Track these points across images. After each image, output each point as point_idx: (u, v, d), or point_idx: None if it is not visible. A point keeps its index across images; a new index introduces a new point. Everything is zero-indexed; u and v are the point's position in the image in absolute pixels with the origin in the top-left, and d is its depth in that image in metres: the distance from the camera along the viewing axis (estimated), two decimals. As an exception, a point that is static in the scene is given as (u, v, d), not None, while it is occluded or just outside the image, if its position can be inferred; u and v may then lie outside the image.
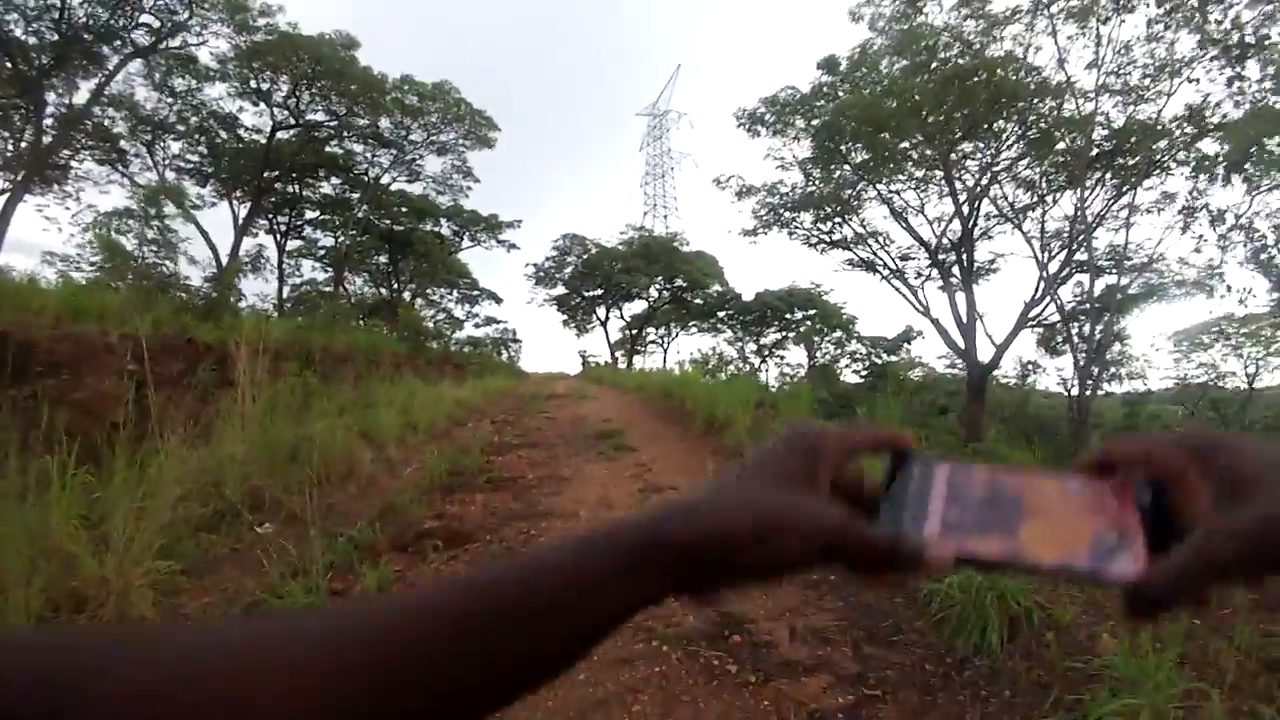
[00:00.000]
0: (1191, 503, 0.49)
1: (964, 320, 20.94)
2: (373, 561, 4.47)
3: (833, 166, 21.02)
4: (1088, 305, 20.22)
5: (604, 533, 0.47)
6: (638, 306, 44.59)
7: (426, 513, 5.84)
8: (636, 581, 0.45)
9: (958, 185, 20.38)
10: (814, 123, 20.81)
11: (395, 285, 33.00)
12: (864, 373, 31.55)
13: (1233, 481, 0.47)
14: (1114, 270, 20.01)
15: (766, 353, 37.89)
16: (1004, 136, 19.18)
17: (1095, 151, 18.05)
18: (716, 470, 8.30)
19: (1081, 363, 19.56)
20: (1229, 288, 18.17)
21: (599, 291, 43.28)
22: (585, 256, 42.34)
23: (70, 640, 0.36)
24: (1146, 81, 17.31)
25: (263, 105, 24.79)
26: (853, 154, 20.48)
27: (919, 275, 22.61)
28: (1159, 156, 17.83)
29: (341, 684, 0.38)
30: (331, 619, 0.42)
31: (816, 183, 21.70)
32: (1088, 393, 19.51)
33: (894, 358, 32.25)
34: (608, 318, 44.97)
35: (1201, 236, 17.25)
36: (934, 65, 17.91)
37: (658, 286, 42.39)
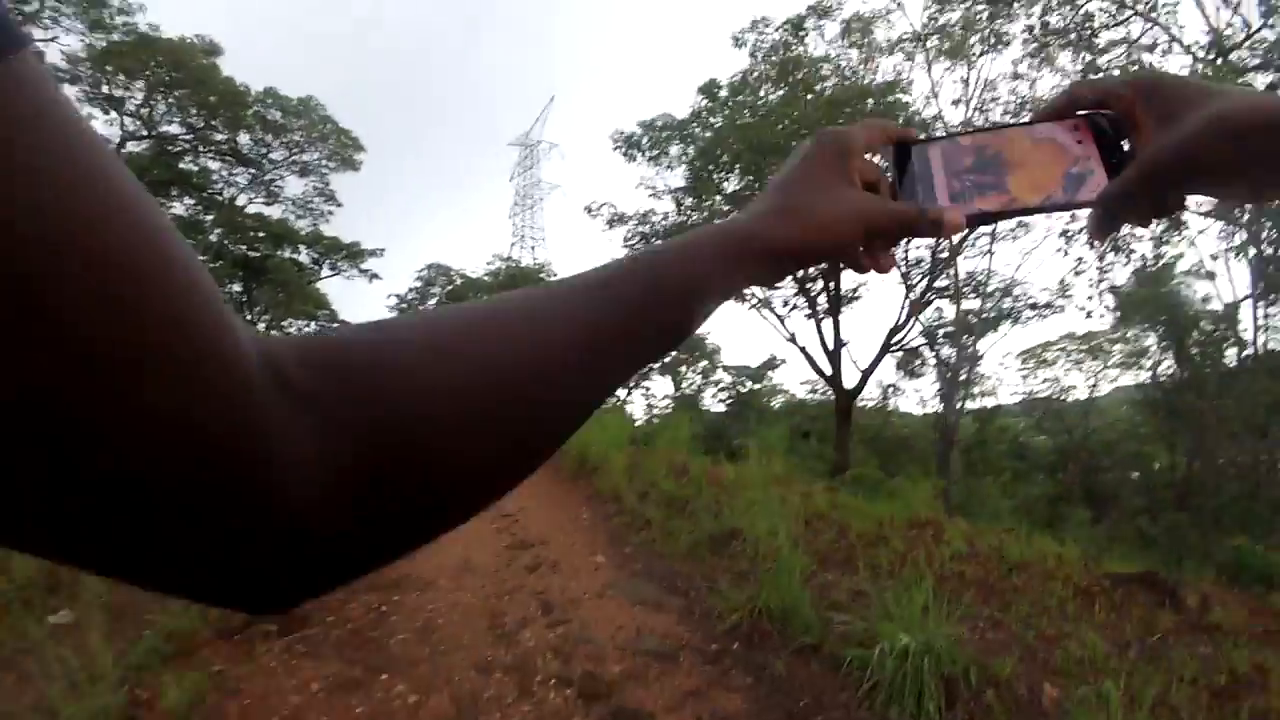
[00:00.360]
0: (1141, 131, 0.57)
1: (830, 347, 21.42)
2: (186, 658, 3.84)
3: (704, 196, 21.09)
4: (948, 329, 21.00)
5: (719, 231, 0.53)
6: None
7: (263, 584, 5.20)
8: (742, 273, 0.53)
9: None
10: (690, 149, 20.86)
11: (249, 317, 31.16)
12: (729, 401, 31.89)
13: (1170, 107, 0.55)
14: (973, 295, 20.90)
15: (632, 385, 37.77)
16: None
17: None
18: (591, 514, 7.98)
19: (942, 383, 20.26)
20: (1089, 311, 19.44)
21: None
22: (450, 288, 41.32)
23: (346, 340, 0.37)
24: (1007, 117, 18.34)
25: (113, 113, 22.95)
26: (725, 183, 20.61)
27: (786, 304, 23.00)
28: None
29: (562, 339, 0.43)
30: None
31: (688, 212, 21.72)
32: (951, 410, 20.19)
33: (758, 385, 32.75)
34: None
35: (1081, 258, 18.43)
36: (810, 95, 18.26)
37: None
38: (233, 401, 0.29)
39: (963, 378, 20.80)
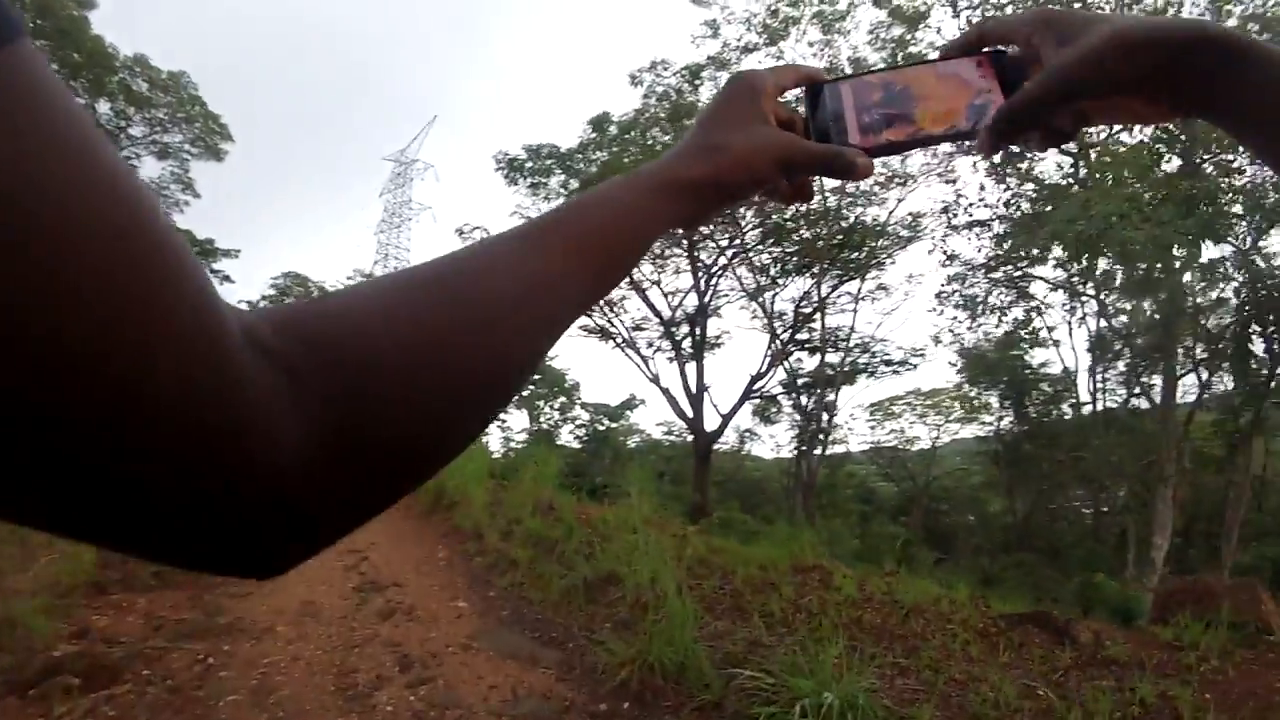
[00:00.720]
0: (1042, 60, 0.60)
1: (693, 390, 21.51)
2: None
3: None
4: (806, 379, 21.61)
5: (642, 173, 0.56)
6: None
7: (63, 629, 4.38)
8: (668, 210, 0.56)
9: (700, 262, 21.14)
10: (571, 182, 20.63)
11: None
12: (585, 439, 31.66)
13: (1068, 33, 0.58)
14: (832, 349, 21.58)
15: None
16: (743, 224, 20.14)
17: (822, 244, 19.69)
18: (449, 553, 7.39)
19: (802, 430, 20.83)
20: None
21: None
22: (306, 300, 39.16)
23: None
24: (876, 188, 19.15)
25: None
26: None
27: (650, 345, 23.00)
28: (880, 253, 20.46)
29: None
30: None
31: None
32: (811, 457, 20.75)
33: (614, 424, 32.68)
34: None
35: (955, 317, 19.33)
36: None
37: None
38: (221, 370, 0.30)
39: (820, 426, 21.40)
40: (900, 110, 0.64)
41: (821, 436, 21.40)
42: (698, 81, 19.91)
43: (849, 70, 18.43)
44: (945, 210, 18.80)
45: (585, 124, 21.13)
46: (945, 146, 18.77)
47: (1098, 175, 14.11)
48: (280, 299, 37.24)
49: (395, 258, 57.23)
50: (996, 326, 20.33)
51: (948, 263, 19.30)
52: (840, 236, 19.72)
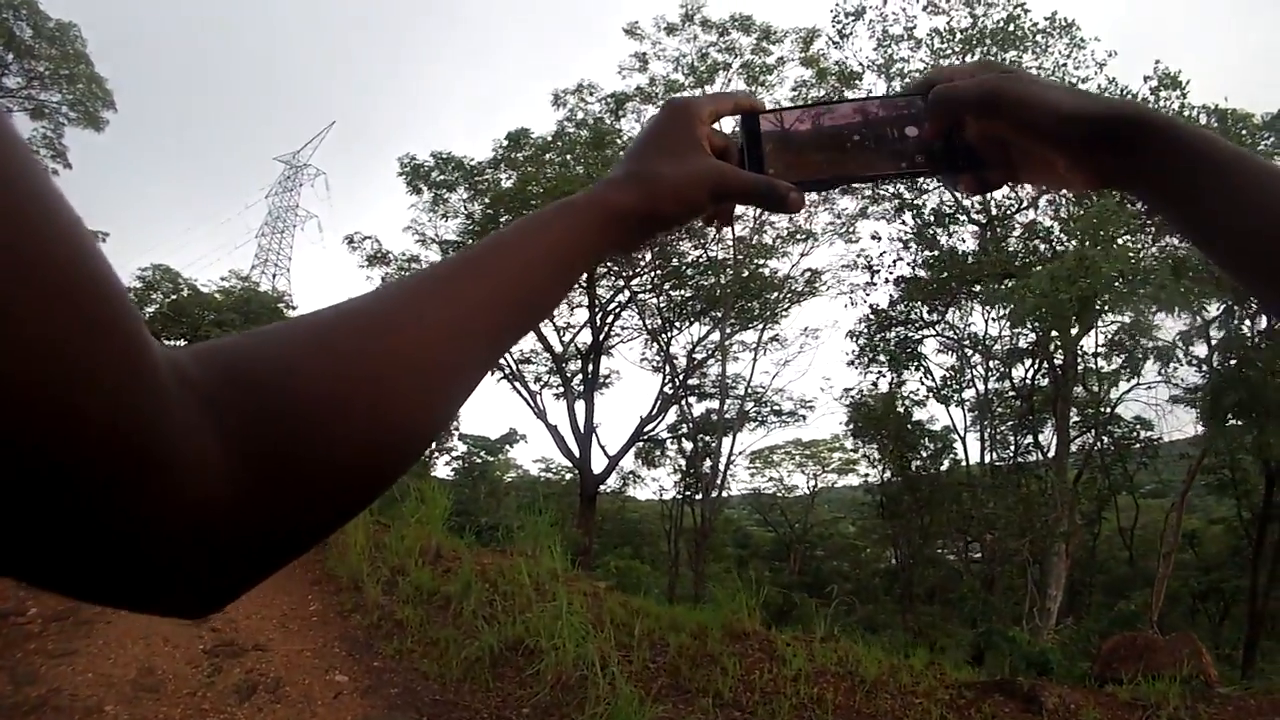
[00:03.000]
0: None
1: (581, 429, 20.82)
2: None
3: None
4: (699, 425, 21.40)
5: (575, 201, 0.56)
6: (225, 368, 39.27)
7: None
8: (600, 239, 0.56)
9: (598, 298, 20.65)
10: (476, 202, 19.74)
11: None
12: (460, 471, 30.59)
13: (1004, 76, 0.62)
14: (718, 396, 21.44)
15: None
16: (642, 265, 19.79)
17: (720, 293, 19.65)
18: (322, 606, 6.37)
19: (694, 476, 20.69)
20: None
21: (182, 343, 37.34)
22: (174, 297, 36.56)
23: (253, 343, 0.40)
24: (779, 243, 19.09)
25: None
26: None
27: (538, 380, 22.22)
28: (776, 305, 20.71)
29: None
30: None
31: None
32: (695, 500, 20.52)
33: (493, 459, 31.73)
34: (187, 378, 38.96)
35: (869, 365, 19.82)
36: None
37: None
38: (147, 402, 0.31)
39: (710, 472, 21.11)
40: (834, 149, 0.66)
41: (718, 482, 21.07)
42: (621, 112, 19.44)
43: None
44: (868, 267, 18.95)
45: (502, 138, 20.28)
46: (851, 208, 19.85)
47: (1083, 230, 14.14)
48: (146, 292, 34.38)
49: (275, 264, 54.18)
50: (886, 381, 20.71)
51: (870, 316, 19.56)
52: (738, 286, 19.54)
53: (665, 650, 5.27)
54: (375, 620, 5.57)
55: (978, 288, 17.47)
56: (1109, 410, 17.75)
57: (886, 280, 18.72)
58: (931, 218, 17.69)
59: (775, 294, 20.70)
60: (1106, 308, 13.69)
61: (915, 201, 17.40)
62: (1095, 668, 7.31)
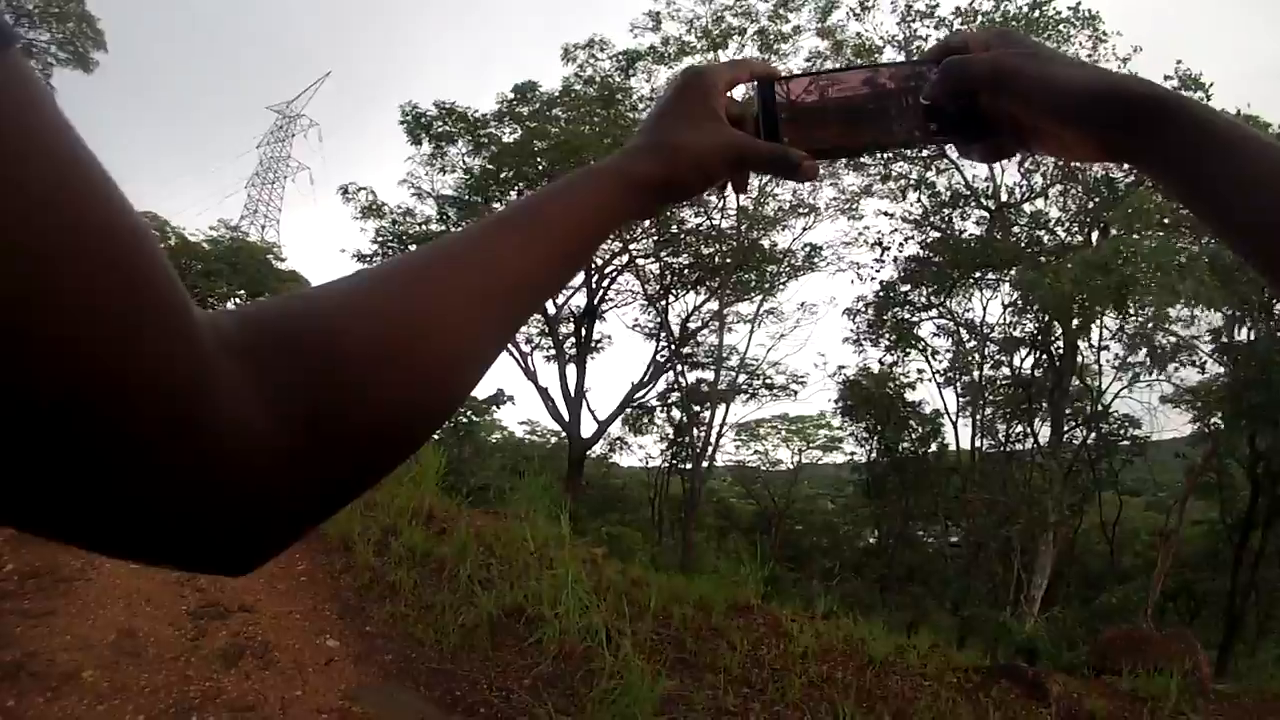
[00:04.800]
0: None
1: (572, 393, 20.61)
2: None
3: (480, 209, 19.54)
4: (692, 393, 21.27)
5: (594, 171, 0.58)
6: (211, 319, 38.73)
7: None
8: (623, 206, 0.57)
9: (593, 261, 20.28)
10: (477, 157, 19.27)
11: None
12: (447, 431, 30.41)
13: (1018, 45, 0.63)
14: (711, 366, 21.27)
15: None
16: (641, 229, 19.46)
17: (718, 262, 19.57)
18: (311, 566, 6.14)
19: (688, 445, 20.60)
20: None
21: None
22: (162, 246, 35.78)
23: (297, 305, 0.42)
24: (781, 214, 18.75)
25: None
26: (509, 194, 19.27)
27: (529, 342, 21.92)
28: (774, 278, 20.51)
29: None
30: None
31: (451, 225, 20.02)
32: (697, 473, 20.40)
33: (480, 419, 31.65)
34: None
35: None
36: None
37: (238, 300, 37.28)
38: (191, 363, 0.32)
39: (700, 441, 21.01)
40: (849, 114, 0.66)
41: (709, 451, 20.99)
42: (632, 71, 18.97)
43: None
44: (879, 244, 18.70)
45: (508, 91, 19.76)
46: (855, 185, 19.60)
47: (1119, 221, 13.85)
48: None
49: (265, 214, 53.29)
50: (890, 359, 20.64)
51: (878, 294, 19.45)
52: (739, 256, 19.25)
53: (669, 622, 5.09)
54: (367, 582, 5.36)
55: (978, 274, 17.34)
56: (1104, 406, 17.65)
57: (895, 259, 18.52)
58: (947, 197, 17.43)
59: (773, 267, 20.44)
60: (1137, 299, 13.44)
61: (931, 179, 17.14)
62: (1092, 658, 7.45)
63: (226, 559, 0.38)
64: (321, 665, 3.97)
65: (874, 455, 24.48)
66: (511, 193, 19.03)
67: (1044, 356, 17.42)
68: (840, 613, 6.59)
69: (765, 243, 20.00)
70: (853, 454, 27.09)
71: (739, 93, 0.68)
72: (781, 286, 21.13)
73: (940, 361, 20.59)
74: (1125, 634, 7.71)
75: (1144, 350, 15.47)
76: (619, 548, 11.84)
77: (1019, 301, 16.10)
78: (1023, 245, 16.44)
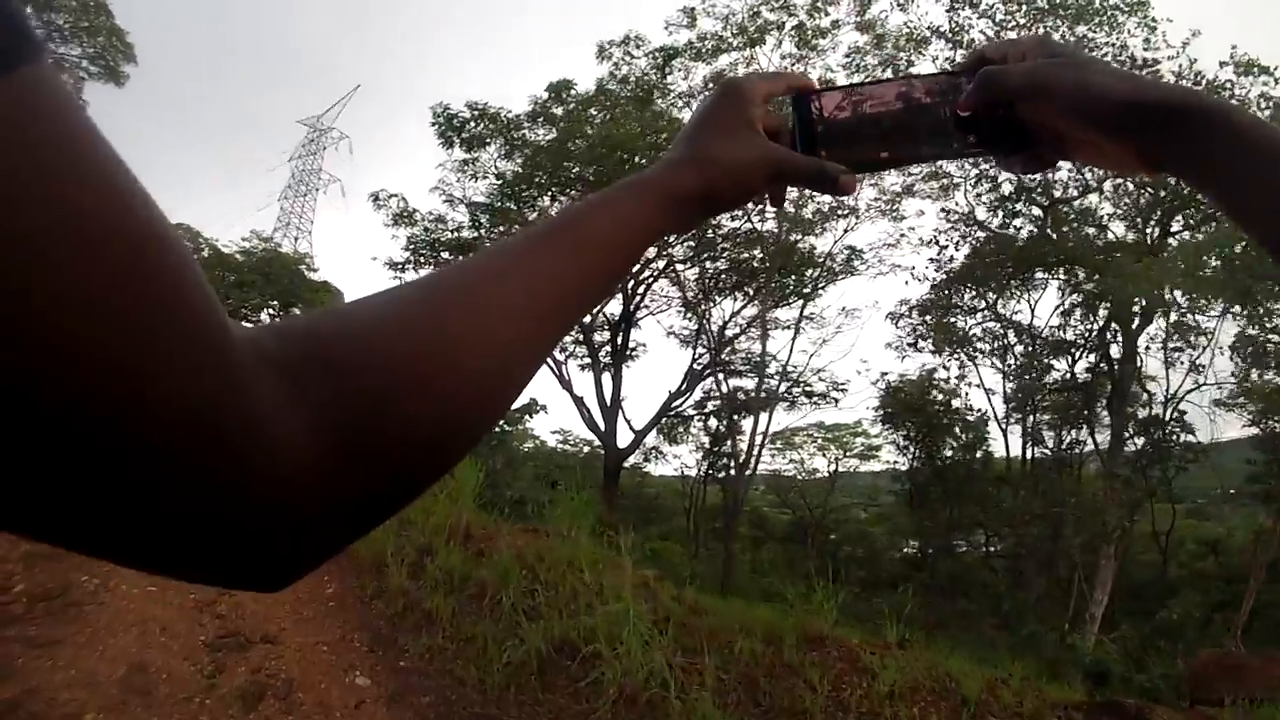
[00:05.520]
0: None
1: (608, 402, 20.19)
2: None
3: (505, 220, 19.18)
4: (733, 401, 20.88)
5: (634, 184, 0.57)
6: (245, 331, 38.90)
7: None
8: (661, 219, 0.57)
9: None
10: (510, 159, 18.91)
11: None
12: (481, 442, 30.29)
13: (1056, 54, 0.61)
14: (754, 374, 20.82)
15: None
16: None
17: (757, 266, 19.20)
18: (340, 589, 5.71)
19: (729, 454, 20.12)
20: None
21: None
22: (196, 257, 35.96)
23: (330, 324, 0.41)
24: (820, 217, 18.71)
25: None
26: (541, 199, 18.87)
27: (563, 350, 21.51)
28: (814, 282, 19.96)
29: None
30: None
31: (484, 231, 19.70)
32: (740, 481, 19.89)
33: (513, 429, 31.41)
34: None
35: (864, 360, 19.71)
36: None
37: (271, 311, 37.30)
38: (226, 376, 0.32)
39: (742, 450, 20.51)
40: (888, 128, 0.65)
41: (751, 461, 20.46)
42: (668, 69, 18.50)
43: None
44: (935, 242, 18.15)
45: (541, 91, 19.34)
46: (895, 185, 19.06)
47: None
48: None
49: (297, 226, 53.92)
50: (955, 362, 19.97)
51: (927, 294, 18.99)
52: (779, 260, 18.73)
53: (735, 658, 4.57)
54: (400, 609, 4.92)
55: (1028, 274, 16.70)
56: (1170, 410, 16.79)
57: (951, 259, 17.89)
58: (1008, 193, 16.78)
59: (812, 270, 19.86)
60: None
61: (993, 174, 16.52)
62: (1187, 685, 6.95)
63: (258, 575, 0.37)
64: (351, 709, 3.53)
65: (916, 463, 23.89)
66: (544, 197, 18.66)
67: (1101, 360, 16.69)
68: (912, 639, 6.06)
69: (804, 245, 19.43)
70: (891, 463, 26.55)
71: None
72: (821, 291, 20.51)
73: (987, 366, 19.94)
74: (1219, 659, 7.21)
75: (1248, 350, 14.75)
76: (663, 566, 11.32)
77: (1081, 301, 15.40)
78: (1070, 244, 15.79)
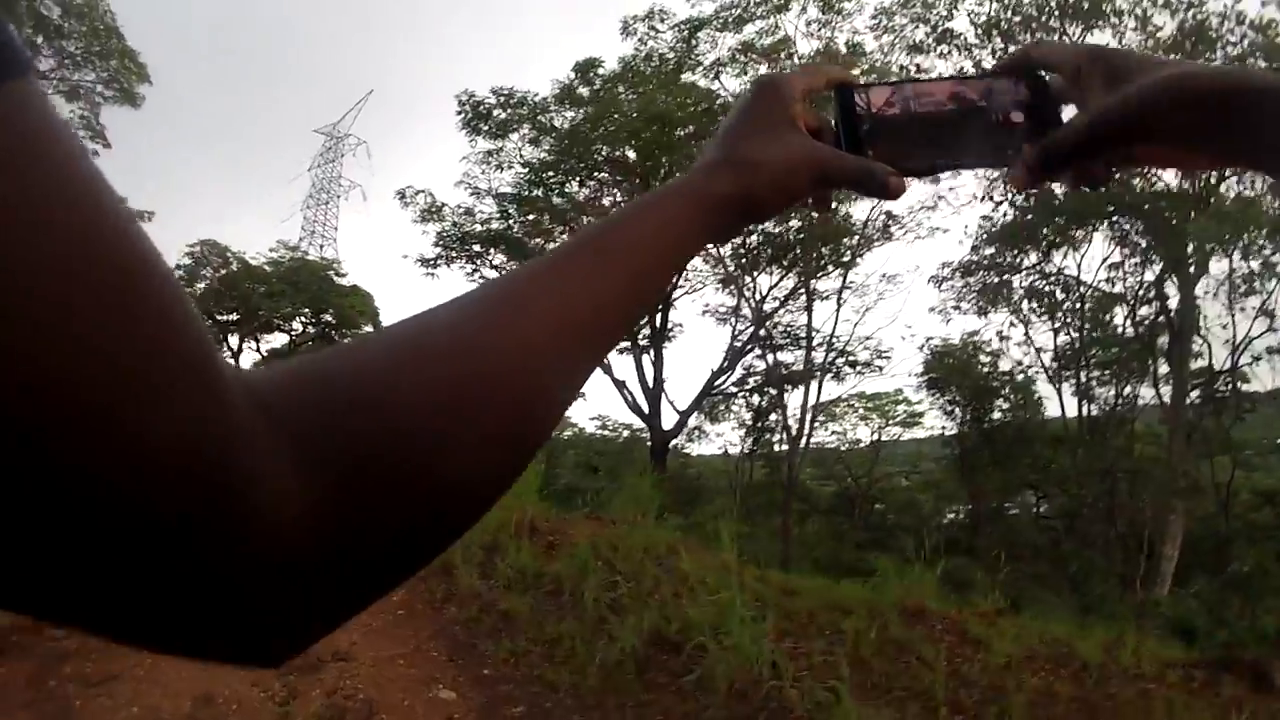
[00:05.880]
0: (1087, 95, 0.57)
1: (649, 384, 19.93)
2: None
3: (532, 208, 18.85)
4: (767, 376, 20.62)
5: (672, 190, 0.53)
6: (278, 340, 38.95)
7: None
8: (703, 226, 0.53)
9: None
10: (537, 144, 18.62)
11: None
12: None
13: (1118, 73, 0.55)
14: (796, 346, 20.55)
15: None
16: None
17: (791, 238, 18.81)
18: (412, 596, 5.42)
19: (782, 430, 20.53)
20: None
21: (235, 316, 37.10)
22: (224, 272, 36.16)
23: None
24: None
25: None
26: (569, 184, 18.49)
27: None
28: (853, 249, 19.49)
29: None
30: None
31: (513, 221, 19.40)
32: (794, 455, 20.06)
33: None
34: (241, 349, 38.80)
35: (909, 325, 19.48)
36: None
37: (303, 319, 37.29)
38: (220, 424, 0.29)
39: (794, 424, 20.25)
40: (935, 129, 0.62)
41: (803, 434, 20.20)
42: (694, 40, 18.01)
43: (846, 57, 17.58)
44: (986, 196, 17.58)
45: (569, 70, 18.89)
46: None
47: None
48: (196, 269, 33.96)
49: (323, 235, 54.29)
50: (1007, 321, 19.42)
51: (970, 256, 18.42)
52: (819, 231, 18.26)
53: (839, 638, 4.23)
54: (475, 613, 4.61)
55: (1080, 227, 16.13)
56: (1236, 357, 16.08)
57: (1004, 215, 17.32)
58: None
59: (849, 238, 19.38)
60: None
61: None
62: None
63: (259, 647, 0.33)
64: (440, 726, 3.23)
65: (964, 427, 23.46)
66: (573, 182, 18.30)
67: (1159, 312, 16.08)
68: (1008, 605, 5.71)
69: (841, 214, 18.91)
70: (935, 429, 26.13)
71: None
72: (860, 259, 20.00)
73: (1036, 325, 19.41)
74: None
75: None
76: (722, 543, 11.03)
77: (1138, 250, 14.82)
78: (1121, 194, 15.20)
